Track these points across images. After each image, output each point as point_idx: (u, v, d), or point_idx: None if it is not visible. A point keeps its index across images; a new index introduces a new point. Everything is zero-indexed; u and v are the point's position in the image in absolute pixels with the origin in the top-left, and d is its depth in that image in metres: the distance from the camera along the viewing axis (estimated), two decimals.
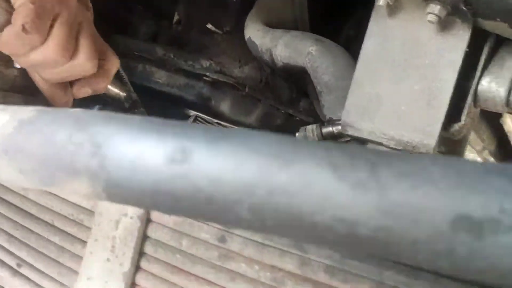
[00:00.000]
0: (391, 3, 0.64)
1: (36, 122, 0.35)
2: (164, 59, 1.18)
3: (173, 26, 1.19)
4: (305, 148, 0.28)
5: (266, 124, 1.45)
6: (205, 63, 1.16)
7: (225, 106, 1.25)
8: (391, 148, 0.65)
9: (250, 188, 0.28)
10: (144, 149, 0.30)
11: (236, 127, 1.60)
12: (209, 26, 1.03)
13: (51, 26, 0.63)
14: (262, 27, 0.96)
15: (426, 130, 0.62)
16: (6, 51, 0.65)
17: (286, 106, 1.29)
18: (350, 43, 1.13)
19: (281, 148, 0.29)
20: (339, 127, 0.79)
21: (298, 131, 0.88)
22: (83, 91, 0.73)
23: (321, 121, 0.86)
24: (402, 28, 0.65)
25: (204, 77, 1.16)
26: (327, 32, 1.08)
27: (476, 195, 0.25)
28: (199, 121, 1.88)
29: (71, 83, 0.73)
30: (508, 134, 0.99)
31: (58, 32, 0.63)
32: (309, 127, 0.84)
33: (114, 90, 0.80)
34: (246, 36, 0.97)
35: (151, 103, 1.30)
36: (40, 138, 0.33)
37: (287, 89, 1.24)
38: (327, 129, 0.82)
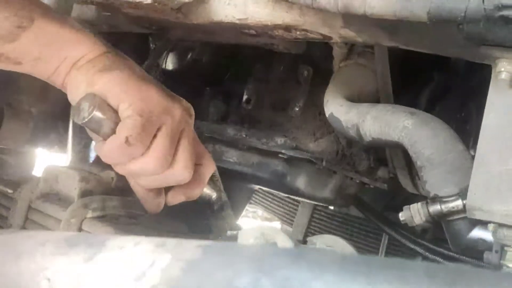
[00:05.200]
0: None
1: (205, 263, 0.30)
2: (236, 139, 1.16)
3: (242, 105, 1.17)
4: None
5: (340, 195, 1.40)
6: (280, 140, 1.13)
7: (300, 182, 1.20)
8: None
9: None
10: None
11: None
12: None
13: (154, 136, 0.61)
14: (344, 102, 0.93)
15: None
16: (105, 161, 0.64)
17: (362, 175, 1.24)
18: (432, 109, 1.09)
19: None
20: (449, 205, 0.74)
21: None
22: (177, 198, 0.70)
23: (425, 199, 0.80)
24: None
25: (279, 155, 1.13)
26: (405, 100, 1.04)
27: None
28: (259, 193, 1.85)
29: (166, 188, 0.70)
30: None
31: (159, 143, 0.61)
32: (414, 206, 0.78)
33: (206, 191, 0.76)
34: (327, 112, 0.94)
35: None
36: (218, 284, 0.29)
37: (365, 160, 1.19)
38: (435, 208, 0.76)
